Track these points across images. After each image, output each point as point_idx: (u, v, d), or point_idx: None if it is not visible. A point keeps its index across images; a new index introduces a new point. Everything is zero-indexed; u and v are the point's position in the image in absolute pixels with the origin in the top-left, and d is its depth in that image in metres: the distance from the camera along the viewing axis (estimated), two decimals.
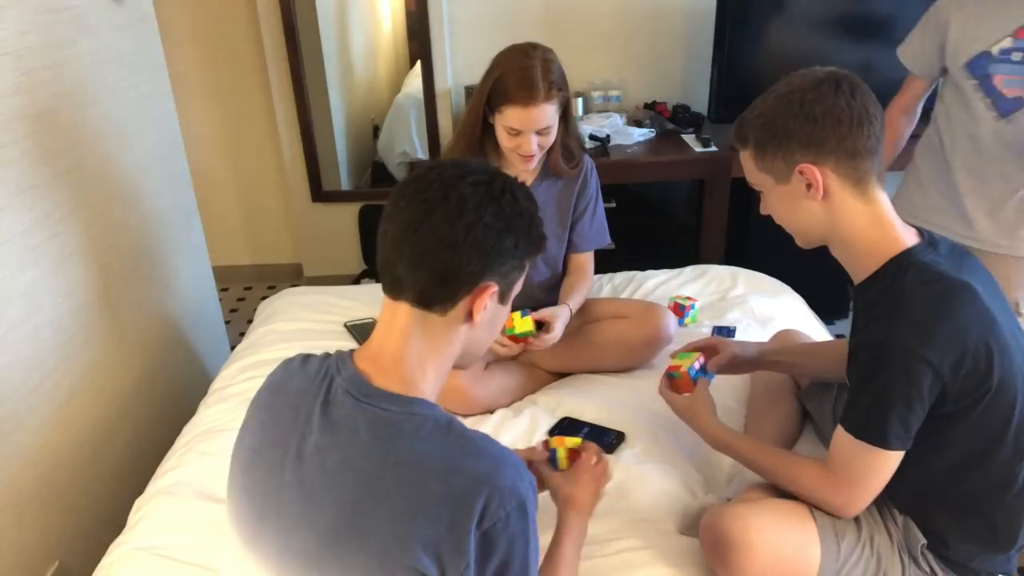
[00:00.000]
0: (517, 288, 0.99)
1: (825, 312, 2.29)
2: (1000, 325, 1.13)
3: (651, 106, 3.21)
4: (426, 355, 0.94)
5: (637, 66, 3.23)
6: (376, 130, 3.68)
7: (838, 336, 2.36)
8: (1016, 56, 1.80)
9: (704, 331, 2.05)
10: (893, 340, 1.09)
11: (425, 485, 0.83)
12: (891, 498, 1.24)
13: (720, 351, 1.56)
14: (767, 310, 2.13)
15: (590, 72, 3.20)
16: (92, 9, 1.86)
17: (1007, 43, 1.80)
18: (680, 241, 3.20)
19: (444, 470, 0.84)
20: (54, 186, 1.69)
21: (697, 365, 1.50)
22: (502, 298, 0.96)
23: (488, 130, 1.75)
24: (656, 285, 2.32)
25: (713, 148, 2.90)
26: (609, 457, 1.59)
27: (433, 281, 0.90)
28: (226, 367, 2.02)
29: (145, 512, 1.49)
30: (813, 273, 2.34)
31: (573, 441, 1.29)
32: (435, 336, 0.94)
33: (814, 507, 1.23)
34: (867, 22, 2.85)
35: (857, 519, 1.24)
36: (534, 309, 1.74)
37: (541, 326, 1.73)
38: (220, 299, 2.66)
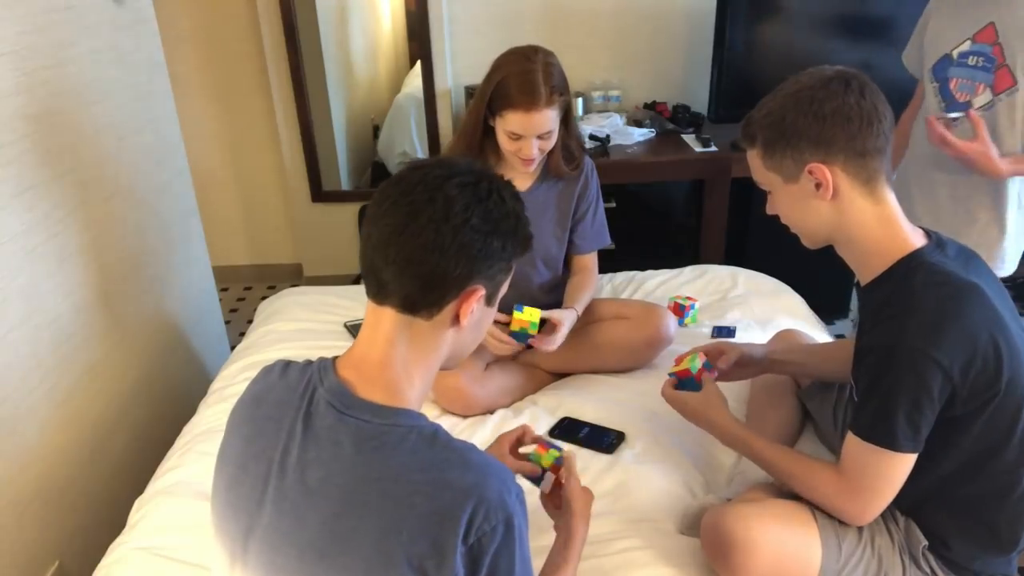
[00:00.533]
0: (504, 289, 0.97)
1: (825, 312, 2.30)
2: (1008, 326, 1.12)
3: (651, 106, 3.21)
4: (412, 361, 0.91)
5: (637, 66, 3.23)
6: (376, 130, 3.68)
7: (838, 336, 2.37)
8: (972, 60, 1.78)
9: (704, 331, 2.05)
10: (903, 341, 1.08)
11: (410, 499, 0.81)
12: (893, 500, 1.24)
13: (725, 354, 1.55)
14: (767, 310, 2.13)
15: (590, 72, 3.20)
16: (92, 9, 1.86)
17: (965, 46, 1.80)
18: (680, 241, 3.20)
19: (429, 483, 0.82)
20: (54, 186, 1.69)
21: (700, 363, 1.49)
22: (489, 300, 0.94)
23: (488, 132, 1.75)
24: (656, 285, 2.32)
25: (713, 148, 2.90)
26: (609, 457, 1.59)
27: (419, 286, 0.87)
28: (226, 367, 2.02)
29: (145, 512, 1.49)
30: (813, 273, 2.34)
31: (550, 458, 1.20)
32: (421, 341, 0.91)
33: (827, 513, 1.22)
34: (867, 22, 2.85)
35: None
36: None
37: (544, 323, 1.72)
38: (220, 299, 2.66)
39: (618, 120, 3.09)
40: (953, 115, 1.81)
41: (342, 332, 2.10)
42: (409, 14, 3.36)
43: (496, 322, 1.68)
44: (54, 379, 1.67)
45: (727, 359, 1.53)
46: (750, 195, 2.85)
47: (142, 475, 1.68)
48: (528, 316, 1.64)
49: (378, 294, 0.90)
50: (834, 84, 1.14)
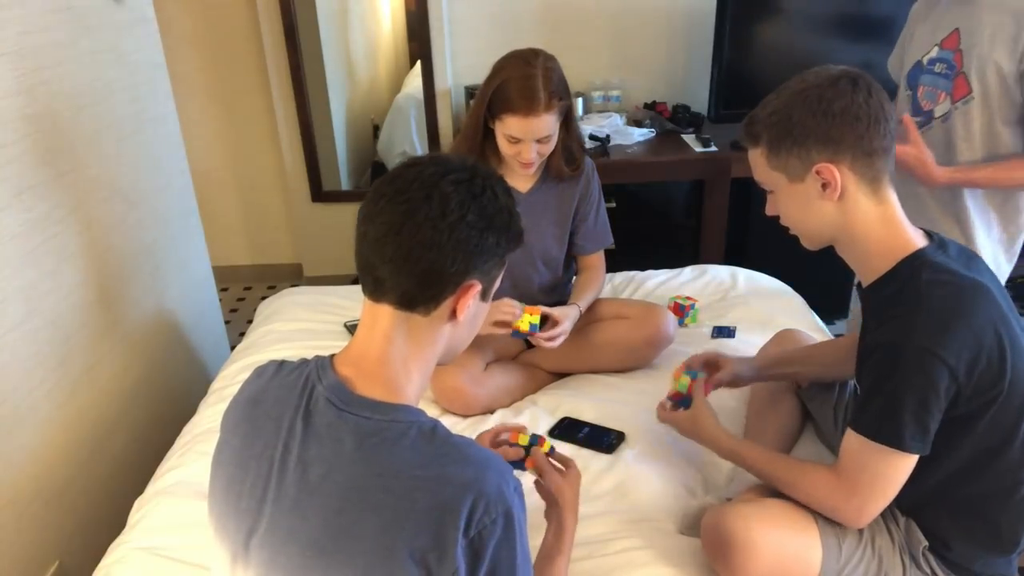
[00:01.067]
0: (498, 283, 0.98)
1: (825, 312, 2.29)
2: (1012, 325, 1.12)
3: (651, 106, 3.21)
4: (410, 356, 0.92)
5: (637, 66, 3.23)
6: (376, 130, 3.68)
7: (837, 336, 2.36)
8: (938, 67, 1.75)
9: (704, 331, 2.05)
10: (910, 339, 1.07)
11: (410, 494, 0.82)
12: (894, 500, 1.24)
13: (722, 367, 1.55)
14: (767, 310, 2.13)
15: (590, 72, 3.20)
16: (92, 9, 1.86)
17: (934, 52, 1.76)
18: (680, 241, 3.20)
19: (429, 478, 0.83)
20: (54, 186, 1.69)
21: (688, 380, 1.48)
22: (484, 295, 0.96)
23: (489, 135, 1.75)
24: (656, 285, 2.32)
25: (713, 148, 2.90)
26: (609, 457, 1.59)
27: (417, 283, 0.88)
28: (226, 367, 2.03)
29: (145, 512, 1.49)
30: (813, 273, 2.34)
31: (525, 439, 1.22)
32: (418, 337, 0.92)
33: (825, 517, 1.21)
34: (867, 22, 2.85)
35: None
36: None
37: (547, 320, 1.72)
38: (220, 299, 2.66)
39: (618, 120, 3.09)
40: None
41: (342, 332, 2.10)
42: (409, 14, 3.36)
43: (498, 323, 1.68)
44: (54, 379, 1.67)
45: (719, 379, 1.53)
46: (750, 195, 2.86)
47: (142, 475, 1.68)
48: (528, 317, 1.65)
49: (375, 291, 0.91)
50: (842, 83, 1.13)
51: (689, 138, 3.01)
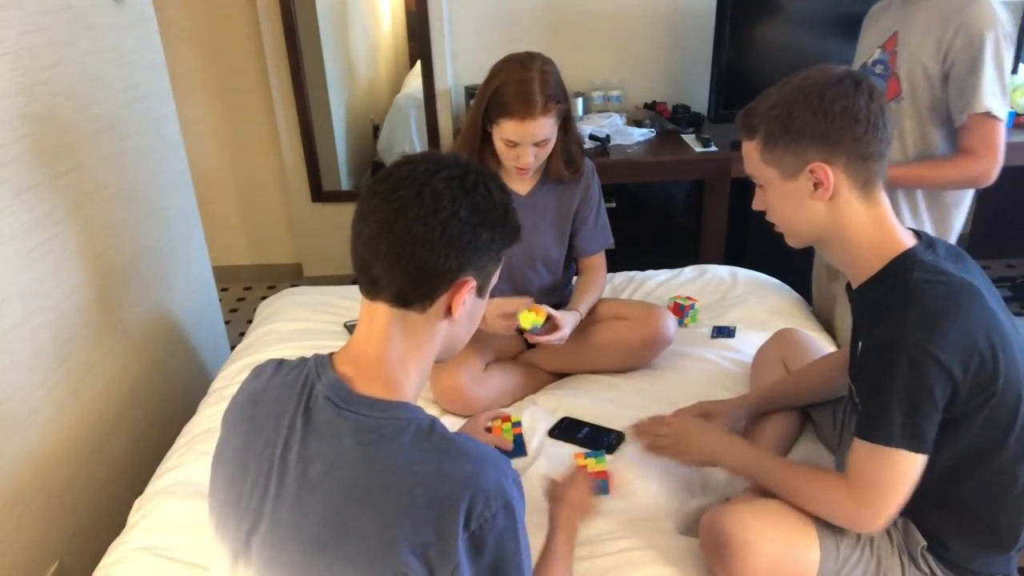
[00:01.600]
0: (494, 280, 0.99)
1: None
2: (1003, 324, 1.12)
3: (651, 106, 3.21)
4: (408, 354, 0.93)
5: (637, 66, 3.23)
6: (376, 130, 3.68)
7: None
8: (878, 68, 1.76)
9: (704, 331, 2.05)
10: (903, 338, 1.07)
11: (410, 490, 0.83)
12: None
13: (716, 417, 1.53)
14: (767, 310, 2.13)
15: (590, 72, 3.20)
16: (92, 9, 1.86)
17: (876, 54, 1.78)
18: (680, 241, 3.20)
19: (428, 474, 0.83)
20: (54, 186, 1.69)
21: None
22: (480, 291, 0.96)
23: (487, 139, 1.75)
24: (656, 285, 2.32)
25: (713, 148, 2.90)
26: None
27: (411, 280, 0.89)
28: (226, 367, 2.03)
29: (145, 512, 1.50)
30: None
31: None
32: (415, 334, 0.93)
33: (842, 527, 1.20)
34: None
35: None
36: None
37: (548, 320, 1.72)
38: (220, 299, 2.66)
39: (618, 120, 3.09)
40: None
41: (342, 332, 2.11)
42: (409, 14, 3.36)
43: (504, 313, 1.68)
44: (55, 379, 1.67)
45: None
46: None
47: (142, 475, 1.69)
48: (533, 316, 1.66)
49: (371, 290, 0.92)
50: (845, 84, 1.12)
51: (689, 138, 3.01)
